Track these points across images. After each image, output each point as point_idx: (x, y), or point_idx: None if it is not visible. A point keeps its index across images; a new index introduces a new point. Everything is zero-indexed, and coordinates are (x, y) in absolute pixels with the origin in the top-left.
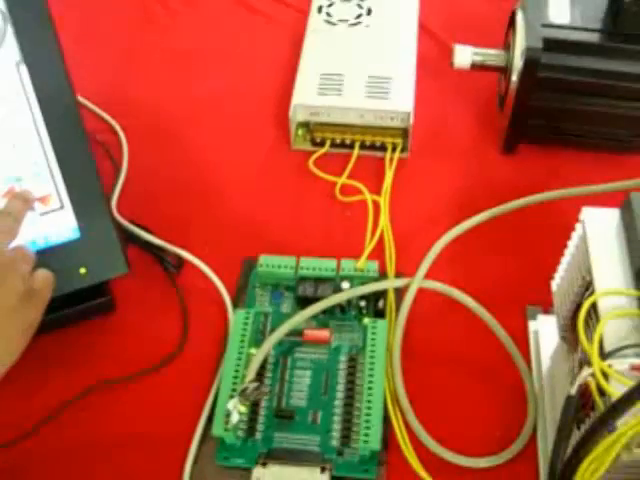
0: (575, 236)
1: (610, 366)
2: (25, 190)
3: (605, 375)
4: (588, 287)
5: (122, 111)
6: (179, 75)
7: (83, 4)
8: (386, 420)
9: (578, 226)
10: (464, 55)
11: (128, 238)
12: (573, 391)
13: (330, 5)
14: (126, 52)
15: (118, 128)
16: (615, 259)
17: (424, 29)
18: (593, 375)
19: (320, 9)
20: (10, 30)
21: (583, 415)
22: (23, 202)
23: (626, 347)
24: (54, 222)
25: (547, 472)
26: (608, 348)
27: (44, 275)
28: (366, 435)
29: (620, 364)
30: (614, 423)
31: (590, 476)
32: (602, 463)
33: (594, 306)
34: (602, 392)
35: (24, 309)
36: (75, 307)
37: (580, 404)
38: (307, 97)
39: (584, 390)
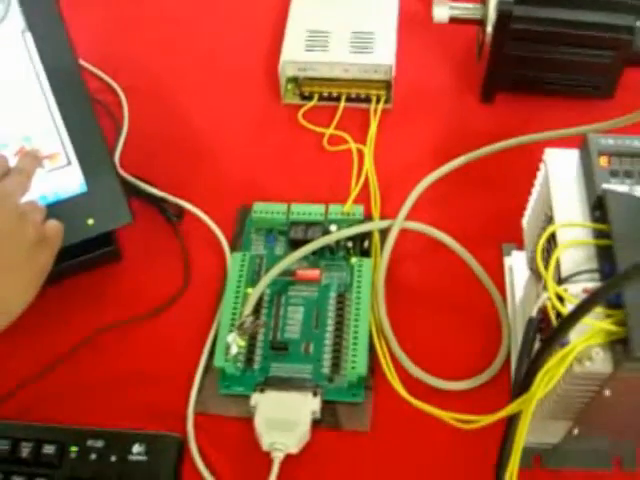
0: (539, 175)
1: (565, 290)
2: (34, 148)
3: (561, 298)
4: (550, 221)
5: (120, 71)
6: (173, 36)
7: None
8: (372, 349)
9: (542, 166)
10: (442, 9)
11: (131, 191)
12: (534, 313)
13: None
14: (121, 15)
15: (117, 88)
16: (574, 195)
17: None
18: (550, 299)
19: None
20: (15, 1)
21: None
22: (33, 159)
23: (580, 273)
24: (62, 178)
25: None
26: (564, 274)
27: (54, 224)
28: (353, 362)
29: (575, 288)
30: (567, 338)
31: (545, 385)
32: (555, 374)
33: (553, 237)
34: (559, 314)
35: (37, 254)
36: (84, 256)
37: (541, 326)
38: (295, 53)
39: (545, 313)
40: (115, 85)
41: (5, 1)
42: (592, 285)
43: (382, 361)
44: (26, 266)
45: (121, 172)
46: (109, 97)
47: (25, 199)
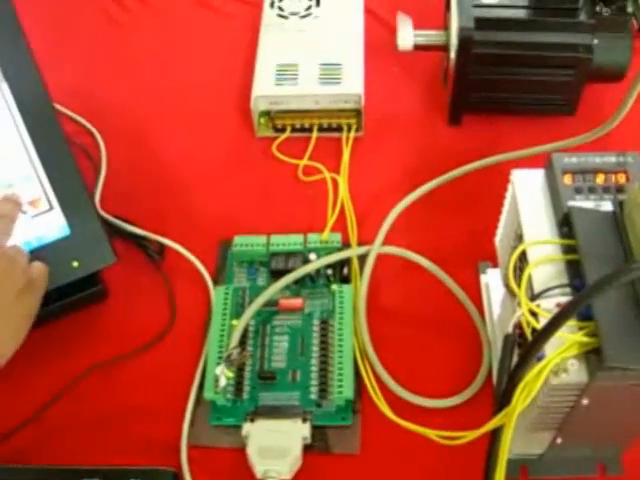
0: (508, 195)
1: (538, 306)
2: (14, 194)
3: (535, 314)
4: (520, 240)
5: (96, 114)
6: (144, 74)
7: (44, 12)
8: (357, 373)
9: (509, 186)
10: (406, 38)
11: (113, 230)
12: (509, 329)
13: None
14: (90, 55)
15: (94, 130)
16: (541, 213)
17: (370, 13)
18: (524, 315)
19: (272, 4)
20: None
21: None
22: (14, 204)
23: (552, 288)
24: (45, 222)
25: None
26: (536, 290)
27: (39, 267)
28: (340, 387)
29: (547, 303)
30: (542, 352)
31: (525, 399)
32: (534, 387)
33: (524, 255)
34: (534, 329)
35: (25, 298)
36: (71, 297)
37: (519, 341)
38: (266, 88)
39: (521, 329)
40: (91, 127)
41: None
42: (564, 299)
43: (367, 384)
44: (15, 310)
45: (102, 213)
46: (86, 139)
47: (9, 243)
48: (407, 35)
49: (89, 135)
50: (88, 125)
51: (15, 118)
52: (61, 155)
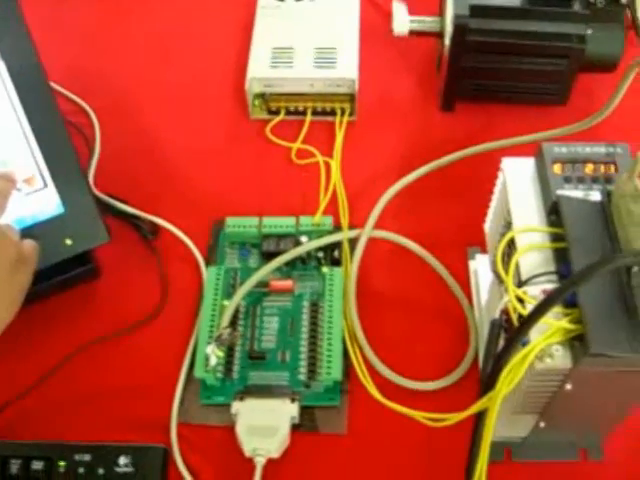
0: (498, 183)
1: (525, 292)
2: (8, 170)
3: (522, 300)
4: (509, 227)
5: (91, 92)
6: (141, 56)
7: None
8: (346, 355)
9: (500, 174)
10: (402, 23)
11: (106, 210)
12: (496, 315)
13: None
14: (90, 36)
15: (88, 109)
16: (530, 201)
17: None
18: (511, 301)
19: None
20: None
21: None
22: (7, 181)
23: (539, 275)
24: (39, 200)
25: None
26: (524, 277)
27: (31, 243)
28: (329, 368)
29: (534, 290)
30: (527, 338)
31: (509, 383)
32: (519, 372)
33: (513, 242)
34: (520, 315)
35: (18, 273)
36: (63, 275)
37: (505, 326)
38: (261, 70)
39: (507, 314)
40: (86, 106)
41: None
42: (550, 286)
43: (356, 365)
44: (7, 284)
45: (95, 192)
46: (80, 118)
47: (2, 221)
48: (403, 20)
49: (84, 114)
50: (83, 104)
51: (11, 96)
52: (56, 133)
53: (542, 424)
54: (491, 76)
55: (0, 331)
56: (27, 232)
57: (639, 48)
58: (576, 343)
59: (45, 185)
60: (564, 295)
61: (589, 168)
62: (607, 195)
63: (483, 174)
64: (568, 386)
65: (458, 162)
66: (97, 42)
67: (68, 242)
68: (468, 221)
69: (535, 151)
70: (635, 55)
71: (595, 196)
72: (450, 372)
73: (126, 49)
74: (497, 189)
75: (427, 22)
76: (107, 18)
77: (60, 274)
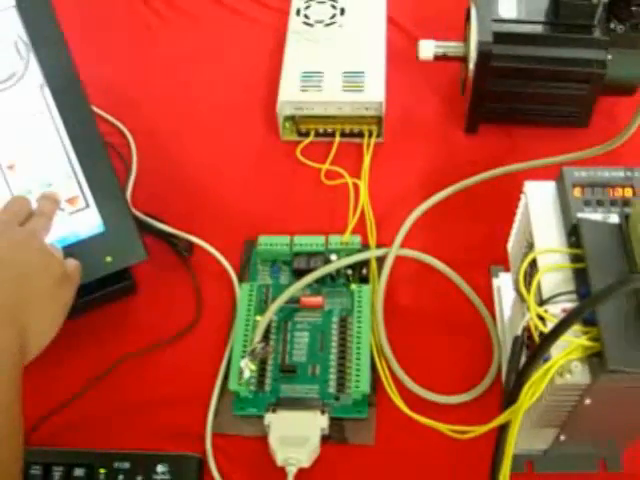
0: (520, 205)
1: (546, 311)
2: (51, 191)
3: (543, 318)
4: (531, 247)
5: (126, 114)
6: (174, 77)
7: (78, 15)
8: (373, 369)
9: (522, 197)
10: (427, 48)
11: (143, 228)
12: (519, 332)
13: (307, 7)
14: (122, 58)
15: (125, 130)
16: (551, 223)
17: (392, 22)
18: (532, 319)
19: (298, 11)
20: (33, 58)
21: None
22: (53, 202)
23: (559, 295)
24: (82, 219)
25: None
26: (545, 296)
27: (74, 262)
28: (357, 381)
29: (554, 308)
30: (548, 354)
31: (531, 397)
32: (540, 386)
33: (534, 262)
34: (541, 332)
35: (62, 289)
36: (103, 290)
37: (527, 343)
38: (291, 94)
39: (529, 331)
40: (122, 127)
41: (24, 59)
42: (570, 305)
43: (383, 379)
44: (53, 301)
45: (133, 210)
46: (117, 139)
47: (46, 240)
48: (428, 45)
49: (120, 135)
50: (120, 125)
51: (56, 121)
52: (98, 156)
53: (562, 437)
54: (514, 99)
55: (45, 344)
56: (70, 250)
57: None
58: (595, 360)
59: (87, 205)
60: (583, 314)
61: (608, 192)
62: (625, 218)
63: (506, 195)
64: (587, 401)
65: (482, 183)
66: (133, 64)
67: (108, 259)
68: (491, 240)
69: (556, 175)
70: None
71: (613, 219)
72: (474, 386)
73: (161, 72)
74: (519, 211)
75: (452, 47)
76: (142, 41)
77: (100, 289)
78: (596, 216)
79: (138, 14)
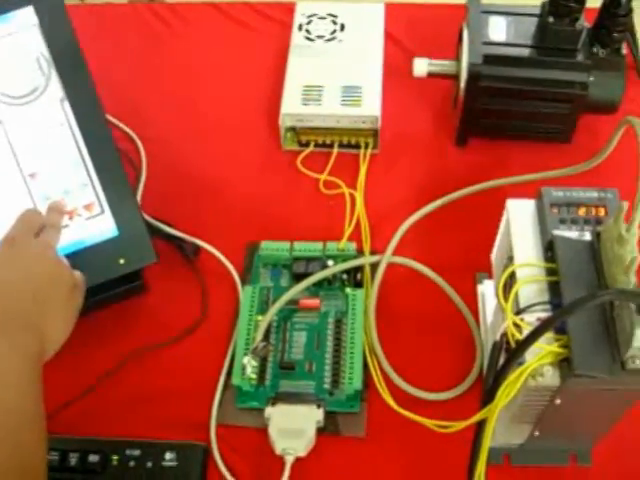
0: (503, 220)
1: (522, 319)
2: (57, 202)
3: (519, 326)
4: (511, 260)
5: (135, 121)
6: (183, 87)
7: (89, 26)
8: (365, 367)
9: (504, 213)
10: (421, 65)
11: (152, 231)
12: (497, 338)
13: (309, 23)
14: (131, 67)
15: (135, 137)
16: (530, 238)
17: (390, 37)
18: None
19: (300, 27)
20: (54, 73)
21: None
22: (60, 213)
23: (535, 305)
24: (97, 224)
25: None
26: (522, 305)
27: (78, 273)
28: (350, 378)
29: (530, 317)
30: (523, 358)
31: (506, 397)
32: (514, 387)
33: (514, 274)
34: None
35: (73, 296)
36: (115, 290)
37: (506, 347)
38: (293, 107)
39: (507, 338)
40: (133, 134)
41: (46, 74)
42: (544, 315)
43: (374, 376)
44: (66, 307)
45: (143, 215)
46: (127, 145)
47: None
48: (422, 63)
49: (130, 141)
50: (130, 132)
51: (75, 133)
52: (113, 165)
53: (537, 433)
54: (502, 116)
55: (60, 346)
56: (85, 252)
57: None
58: (564, 365)
59: (102, 211)
60: (555, 323)
61: (582, 211)
62: (597, 236)
63: (491, 206)
64: (557, 401)
65: (469, 195)
66: (141, 74)
67: (121, 261)
68: (477, 249)
69: (536, 194)
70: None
71: (586, 236)
72: (457, 385)
73: (168, 81)
74: (502, 225)
75: (444, 66)
76: (150, 51)
77: (112, 289)
78: (571, 234)
79: (147, 24)
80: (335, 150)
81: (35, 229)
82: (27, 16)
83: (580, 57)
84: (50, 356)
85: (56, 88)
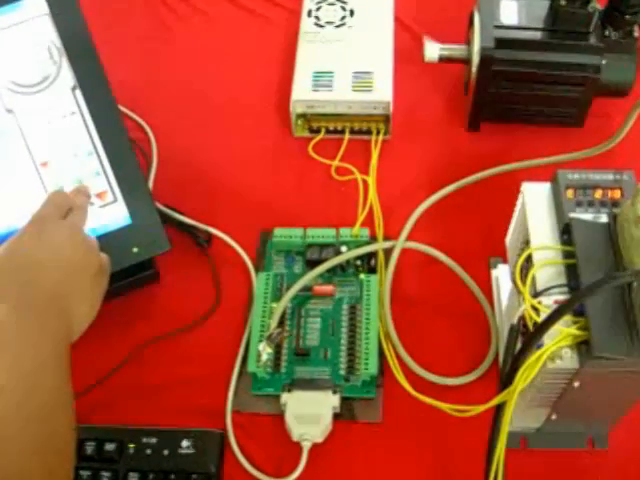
0: (518, 204)
1: (540, 302)
2: (83, 185)
3: (536, 309)
4: (527, 243)
5: (146, 110)
6: (193, 74)
7: (98, 14)
8: (381, 352)
9: (520, 196)
10: (433, 50)
11: (165, 219)
12: (514, 321)
13: (318, 9)
14: (141, 56)
15: (146, 126)
16: (546, 222)
17: (399, 22)
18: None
19: (310, 13)
20: (65, 62)
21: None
22: (86, 196)
23: (552, 288)
24: (110, 213)
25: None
26: (539, 289)
27: (105, 255)
28: (366, 364)
29: (547, 300)
30: (541, 341)
31: (525, 380)
32: (533, 370)
33: (530, 257)
34: (535, 322)
35: (99, 278)
36: (129, 279)
37: (522, 331)
38: (304, 93)
39: (524, 320)
40: (143, 123)
41: (57, 63)
42: (561, 297)
43: (390, 362)
44: (92, 290)
45: (156, 203)
46: (138, 134)
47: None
48: (433, 48)
49: (141, 130)
50: (140, 121)
51: (87, 121)
52: (125, 154)
53: (554, 416)
54: (514, 101)
55: (85, 328)
56: (99, 241)
57: None
58: (583, 347)
59: (115, 199)
60: (573, 306)
61: (598, 193)
62: (613, 218)
63: (505, 191)
64: (576, 383)
65: (483, 180)
66: (151, 63)
67: (135, 250)
68: (491, 234)
69: (551, 177)
70: None
71: (603, 219)
72: (473, 369)
73: (178, 69)
74: (517, 209)
75: (455, 50)
76: (160, 40)
77: (126, 277)
78: (587, 216)
79: (157, 13)
80: (347, 136)
81: (63, 211)
82: (38, 4)
83: (592, 40)
84: (76, 339)
85: (67, 76)
